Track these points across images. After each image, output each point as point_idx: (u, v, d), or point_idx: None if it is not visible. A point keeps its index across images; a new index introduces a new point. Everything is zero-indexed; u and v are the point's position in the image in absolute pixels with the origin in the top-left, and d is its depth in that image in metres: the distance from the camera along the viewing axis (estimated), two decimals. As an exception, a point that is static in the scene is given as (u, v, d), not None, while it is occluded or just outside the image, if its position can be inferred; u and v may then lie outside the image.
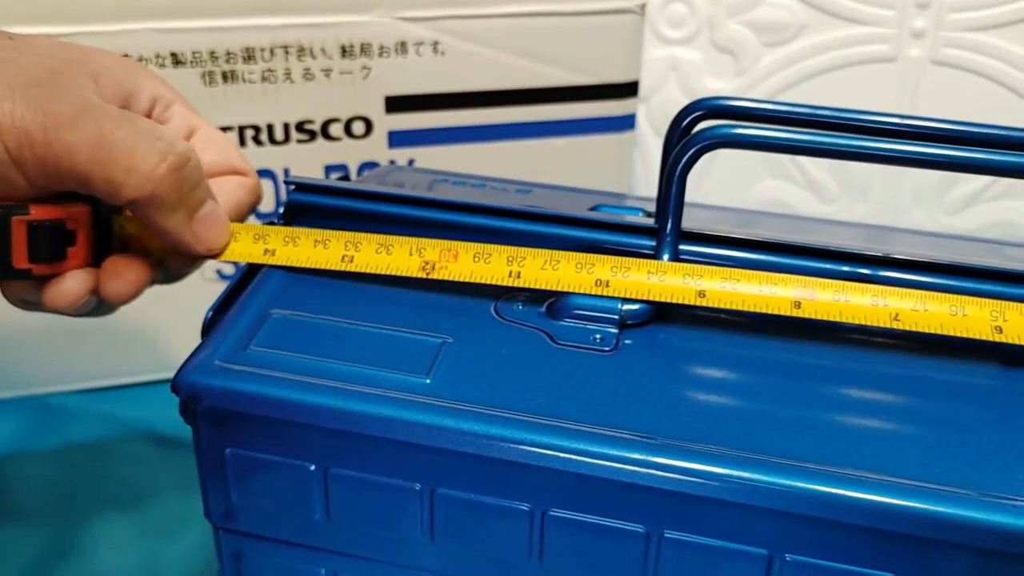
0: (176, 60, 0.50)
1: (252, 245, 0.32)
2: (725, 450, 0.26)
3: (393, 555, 0.30)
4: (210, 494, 0.30)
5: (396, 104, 0.55)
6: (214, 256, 0.31)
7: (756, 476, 0.26)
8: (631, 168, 0.63)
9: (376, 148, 0.55)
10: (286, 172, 0.54)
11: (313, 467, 0.29)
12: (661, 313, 0.31)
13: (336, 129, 0.54)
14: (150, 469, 0.50)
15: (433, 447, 0.27)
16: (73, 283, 0.30)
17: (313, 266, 0.32)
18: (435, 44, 0.54)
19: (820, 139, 0.28)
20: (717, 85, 0.72)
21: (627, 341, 0.30)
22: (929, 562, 0.25)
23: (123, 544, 0.46)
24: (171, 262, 0.32)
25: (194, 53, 0.50)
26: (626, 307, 0.30)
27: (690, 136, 0.29)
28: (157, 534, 0.46)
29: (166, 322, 0.53)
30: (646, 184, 0.73)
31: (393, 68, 0.54)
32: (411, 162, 0.56)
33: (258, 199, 0.34)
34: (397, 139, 0.56)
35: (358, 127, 0.55)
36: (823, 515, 0.25)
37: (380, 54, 0.53)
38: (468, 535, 0.28)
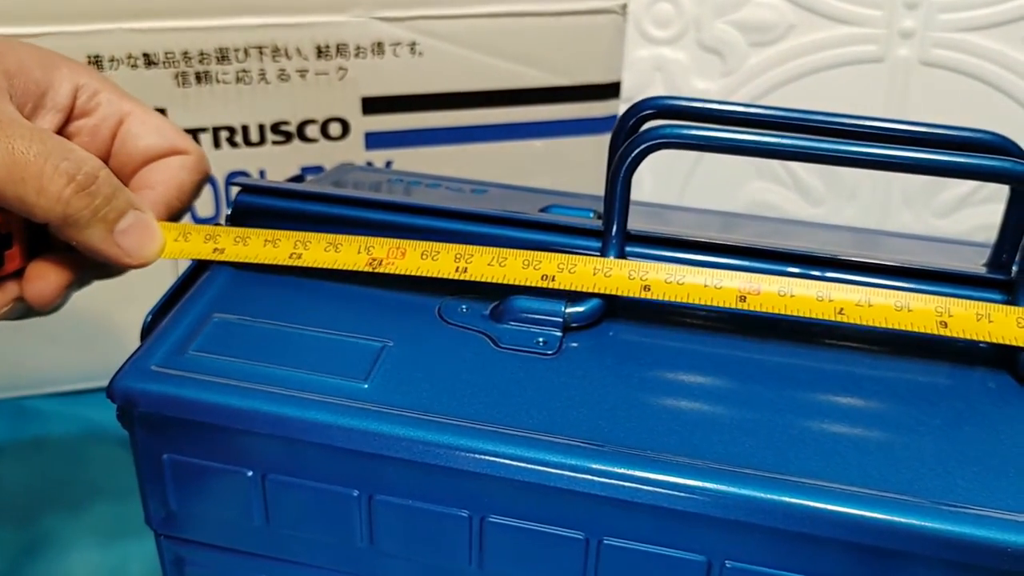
0: (148, 61, 0.50)
1: (202, 245, 0.32)
2: (664, 456, 0.26)
3: (334, 561, 0.29)
4: (149, 500, 0.30)
5: (373, 105, 0.54)
6: (145, 264, 0.31)
7: (694, 482, 0.25)
8: (598, 166, 0.62)
9: (353, 150, 0.55)
10: (261, 174, 0.53)
11: (251, 473, 0.28)
12: (607, 314, 0.30)
13: (312, 131, 0.54)
14: (123, 472, 0.50)
15: (370, 453, 0.27)
16: None
17: (262, 262, 0.32)
18: (412, 44, 0.53)
19: (760, 139, 0.27)
20: (704, 86, 0.71)
21: (572, 344, 0.30)
22: (869, 569, 0.25)
23: (93, 545, 0.45)
24: (103, 263, 0.31)
25: (167, 54, 0.50)
26: (570, 309, 0.30)
27: (635, 136, 0.29)
28: (127, 536, 0.46)
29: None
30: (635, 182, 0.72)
31: (370, 69, 0.53)
32: (389, 164, 0.55)
33: (203, 176, 0.34)
34: (374, 141, 0.55)
35: (335, 129, 0.54)
36: (762, 522, 0.25)
37: (356, 55, 0.53)
38: (407, 541, 0.28)
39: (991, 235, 0.68)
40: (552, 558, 0.27)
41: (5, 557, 0.44)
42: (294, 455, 0.28)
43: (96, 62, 0.49)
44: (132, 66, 0.50)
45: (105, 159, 0.32)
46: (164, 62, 0.50)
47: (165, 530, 0.30)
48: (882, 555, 0.25)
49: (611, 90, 0.58)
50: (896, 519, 0.24)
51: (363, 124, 0.54)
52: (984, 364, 0.29)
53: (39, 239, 0.31)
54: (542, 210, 0.36)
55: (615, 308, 0.31)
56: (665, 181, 0.75)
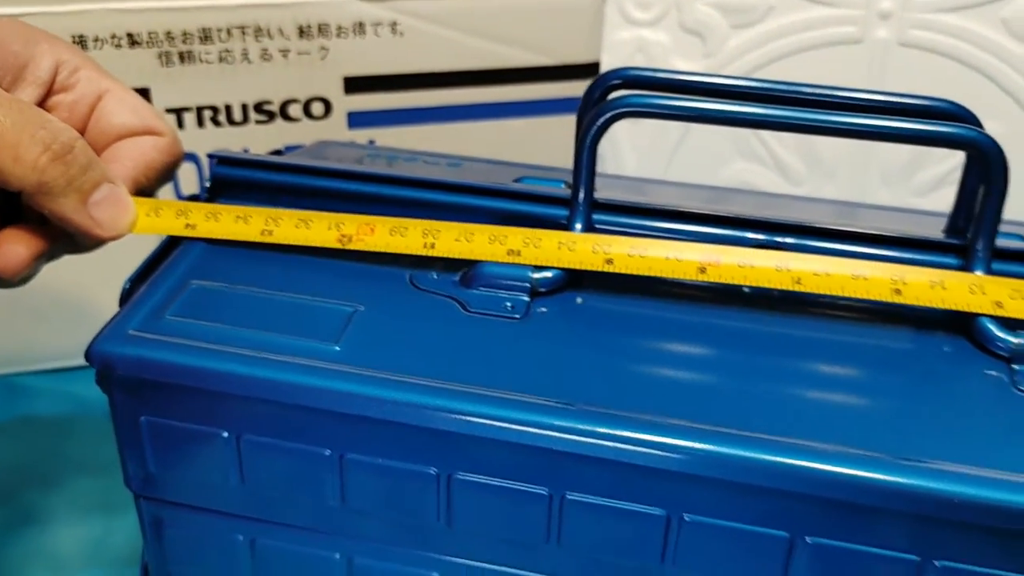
0: (132, 40, 0.51)
1: (174, 220, 0.33)
2: (625, 413, 0.26)
3: (308, 520, 0.30)
4: (128, 462, 0.31)
5: (355, 85, 0.55)
6: (117, 237, 0.32)
7: (654, 438, 0.26)
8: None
9: (335, 129, 0.56)
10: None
11: (226, 434, 0.29)
12: (574, 281, 0.31)
13: (295, 110, 0.54)
14: (108, 446, 0.51)
15: (340, 412, 0.28)
16: None
17: (234, 238, 0.32)
18: (393, 25, 0.54)
19: (720, 107, 0.28)
20: (685, 67, 0.72)
21: (540, 309, 0.30)
22: (828, 522, 0.26)
23: (78, 518, 0.46)
24: (76, 235, 0.32)
25: (150, 33, 0.51)
26: (537, 275, 0.30)
27: (600, 105, 0.30)
28: (112, 509, 0.47)
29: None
30: (614, 162, 0.73)
31: (351, 49, 0.54)
32: (371, 143, 0.56)
33: (174, 159, 0.34)
34: (356, 120, 0.56)
35: (317, 108, 0.55)
36: (720, 476, 0.26)
37: (338, 35, 0.53)
38: (378, 499, 0.29)
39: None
40: (517, 513, 0.28)
41: (-8, 527, 0.45)
42: (268, 416, 0.28)
43: (80, 42, 0.49)
44: (116, 46, 0.51)
45: (81, 133, 0.33)
46: (148, 42, 0.51)
47: (144, 492, 0.31)
48: (842, 508, 0.25)
49: (591, 69, 0.58)
50: (857, 473, 0.25)
51: (345, 103, 0.55)
52: (943, 329, 0.30)
53: (11, 209, 0.32)
54: (516, 181, 0.37)
55: (581, 275, 0.31)
56: (648, 161, 0.75)
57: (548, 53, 0.56)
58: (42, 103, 0.33)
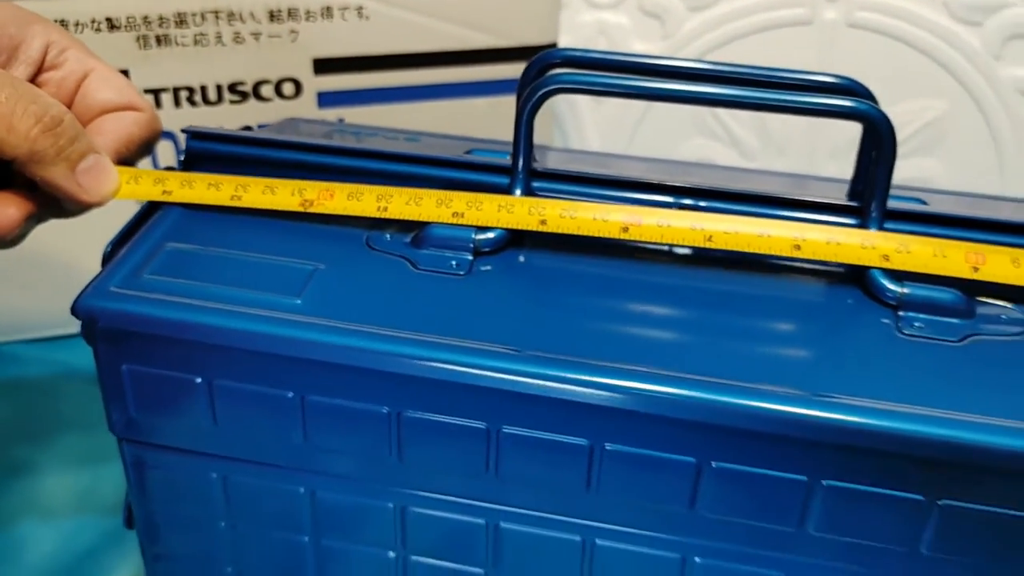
0: (112, 25, 0.54)
1: (152, 187, 0.36)
2: (553, 354, 0.30)
3: (275, 457, 0.33)
4: (111, 408, 0.34)
5: (324, 66, 0.58)
6: (101, 203, 0.35)
7: (579, 376, 0.29)
8: (550, 125, 0.66)
9: (306, 108, 0.59)
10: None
11: (199, 380, 0.32)
12: (515, 241, 0.34)
13: (267, 90, 0.58)
14: (94, 407, 0.54)
15: (301, 358, 0.31)
16: None
17: (206, 203, 0.36)
18: (360, 9, 0.57)
19: (639, 83, 0.32)
20: (644, 48, 0.75)
21: (482, 267, 0.34)
22: (747, 453, 0.29)
23: (67, 470, 0.50)
24: (64, 200, 0.35)
25: (128, 18, 0.54)
26: (479, 236, 0.34)
27: (535, 82, 0.33)
28: (98, 462, 0.50)
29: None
30: (579, 140, 0.77)
31: (320, 32, 0.57)
32: (340, 121, 0.59)
33: (153, 133, 0.37)
34: (326, 99, 0.59)
35: (288, 88, 0.58)
36: (640, 409, 0.29)
37: (307, 18, 0.56)
38: (337, 436, 0.32)
39: (920, 185, 0.73)
40: (459, 446, 0.31)
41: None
42: (236, 363, 0.32)
43: (62, 26, 0.52)
44: (96, 30, 0.53)
45: (68, 108, 0.36)
46: (126, 26, 0.54)
47: (126, 435, 0.35)
48: (743, 435, 0.29)
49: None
50: (756, 404, 0.29)
51: (315, 84, 0.58)
52: (841, 281, 0.34)
53: (2, 176, 0.35)
54: (466, 153, 0.40)
55: (521, 236, 0.35)
56: (611, 139, 0.79)
57: (507, 36, 0.60)
58: (33, 80, 0.36)
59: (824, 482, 0.29)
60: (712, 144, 0.79)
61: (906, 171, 0.76)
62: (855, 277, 0.33)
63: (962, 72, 0.72)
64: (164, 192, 0.36)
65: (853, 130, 0.74)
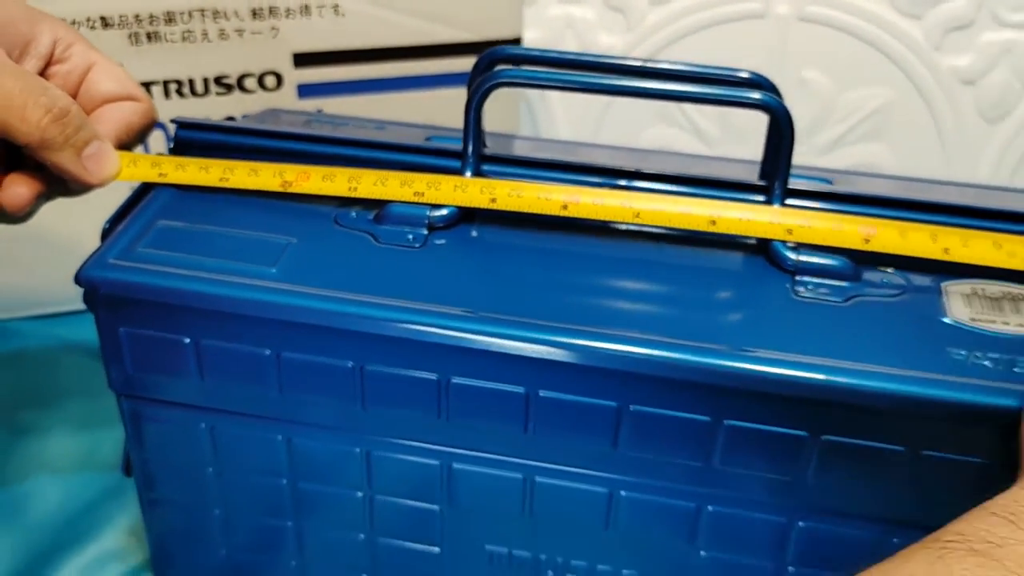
0: (105, 23, 0.58)
1: (149, 169, 0.40)
2: (496, 315, 0.35)
3: (256, 407, 0.38)
4: (110, 367, 0.38)
5: (303, 60, 0.63)
6: (104, 184, 0.39)
7: (516, 332, 0.34)
8: (517, 113, 0.71)
9: (287, 99, 0.63)
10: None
11: (188, 340, 0.37)
12: (467, 217, 0.39)
13: (250, 83, 0.62)
14: (93, 377, 0.58)
15: (276, 320, 0.36)
16: None
17: (196, 184, 0.40)
18: (336, 6, 0.62)
19: (567, 77, 0.36)
20: (609, 40, 0.80)
21: (436, 240, 0.38)
22: (647, 394, 0.34)
23: (68, 435, 0.54)
24: (70, 181, 0.39)
25: (121, 16, 0.58)
26: (433, 213, 0.39)
27: (481, 78, 0.38)
28: (98, 427, 0.54)
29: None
30: (549, 129, 0.81)
31: (299, 28, 0.61)
32: (319, 111, 0.64)
33: (150, 121, 0.42)
34: (305, 91, 0.64)
35: (270, 80, 0.62)
36: (570, 360, 0.34)
37: (287, 15, 0.61)
38: (308, 388, 0.37)
39: (866, 170, 0.78)
40: (415, 395, 0.36)
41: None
42: (220, 324, 0.36)
43: (59, 24, 0.57)
44: (91, 27, 0.58)
45: (73, 98, 0.41)
46: (119, 24, 0.58)
47: (124, 391, 0.39)
48: (656, 381, 0.34)
49: (513, 44, 0.66)
50: (684, 357, 0.33)
51: (295, 76, 0.63)
52: (751, 251, 0.39)
53: (14, 158, 0.39)
54: (427, 140, 0.45)
55: (471, 213, 0.39)
56: (579, 127, 0.83)
57: (474, 30, 0.64)
58: (42, 72, 0.40)
59: (725, 422, 0.34)
60: (675, 132, 0.83)
61: (855, 155, 0.81)
62: (761, 248, 0.38)
63: (906, 62, 0.77)
64: (160, 174, 0.40)
65: (806, 120, 0.78)
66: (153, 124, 0.43)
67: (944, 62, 0.77)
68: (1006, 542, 0.23)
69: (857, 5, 0.76)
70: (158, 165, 0.41)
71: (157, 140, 0.62)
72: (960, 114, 0.78)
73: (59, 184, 0.39)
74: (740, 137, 0.81)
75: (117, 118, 0.41)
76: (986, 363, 0.32)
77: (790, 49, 0.78)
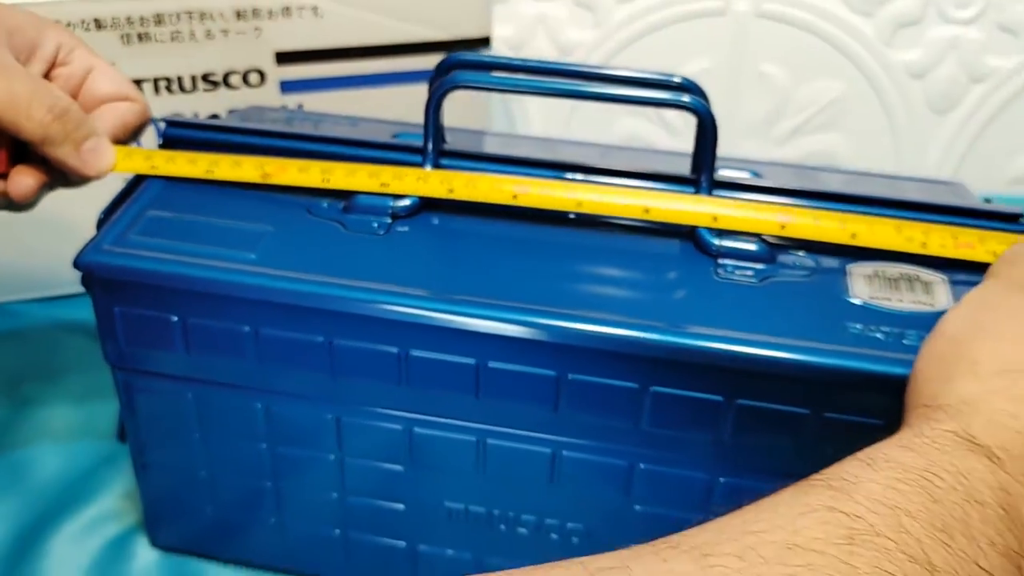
0: (99, 24, 0.62)
1: (143, 162, 0.45)
2: (453, 295, 0.39)
3: (235, 379, 0.42)
4: (106, 342, 0.43)
5: (285, 58, 0.67)
6: (101, 175, 0.43)
7: (471, 309, 0.38)
8: (488, 108, 0.75)
9: (270, 95, 0.67)
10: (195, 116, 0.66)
11: (175, 318, 0.41)
12: (428, 207, 0.43)
13: (235, 80, 0.66)
14: (90, 354, 0.63)
15: (254, 299, 0.40)
16: None
17: (185, 176, 0.44)
18: (315, 8, 0.66)
19: (512, 80, 0.41)
20: (578, 36, 0.84)
21: (400, 228, 0.43)
22: (584, 363, 0.38)
23: (67, 406, 0.58)
24: (70, 174, 0.43)
25: (113, 18, 0.62)
26: (396, 204, 0.43)
27: (439, 80, 0.42)
28: (95, 399, 0.59)
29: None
30: (523, 124, 0.85)
31: (280, 28, 0.65)
32: (300, 106, 0.68)
33: (145, 120, 0.46)
34: (287, 87, 0.68)
35: (254, 78, 0.66)
36: (513, 334, 0.38)
37: (269, 16, 0.65)
38: (283, 359, 0.41)
39: (821, 159, 0.82)
40: (379, 367, 0.40)
41: (-2, 415, 0.57)
42: (204, 304, 0.41)
43: (55, 26, 0.60)
44: (85, 29, 0.62)
45: (74, 98, 0.45)
46: (111, 26, 0.62)
47: (118, 364, 0.43)
48: (591, 353, 0.38)
49: (482, 43, 0.70)
50: (614, 331, 0.37)
51: (277, 73, 0.67)
52: (680, 237, 0.43)
53: (20, 152, 0.43)
54: (393, 136, 0.49)
55: (431, 204, 0.44)
56: (551, 121, 0.88)
57: (445, 29, 0.68)
58: (46, 75, 0.44)
59: (651, 389, 0.38)
60: (643, 124, 0.87)
61: (812, 144, 0.86)
62: (690, 235, 0.42)
63: (858, 57, 0.81)
64: (152, 167, 0.44)
65: (764, 112, 0.83)
66: (147, 122, 0.47)
67: (894, 57, 0.81)
68: (859, 479, 0.27)
69: (812, 3, 0.80)
70: (150, 159, 0.45)
71: (147, 135, 0.66)
72: (910, 106, 0.82)
73: (60, 176, 0.43)
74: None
75: (114, 116, 0.45)
76: (879, 336, 0.37)
77: (749, 45, 0.83)
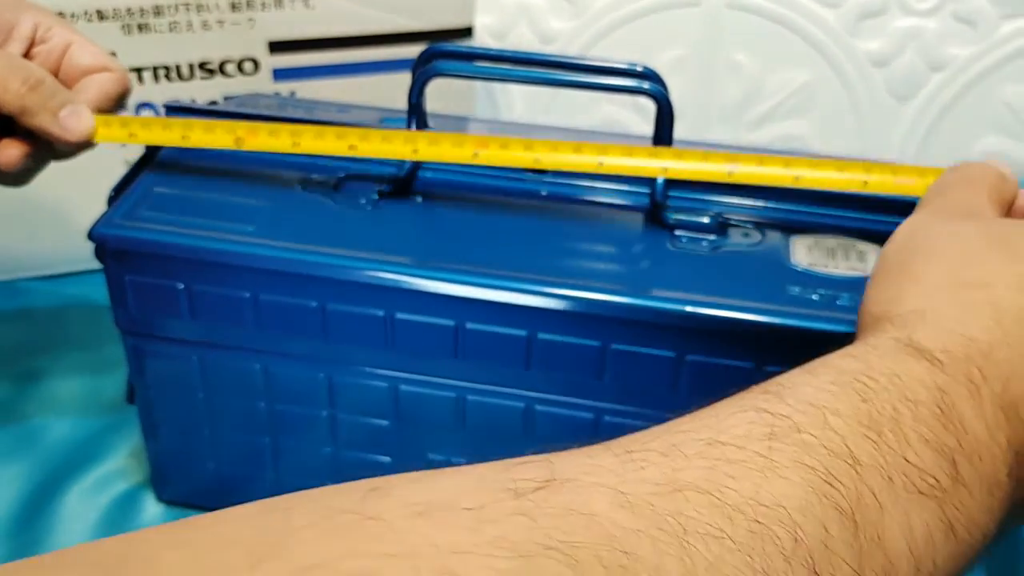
0: (100, 15, 0.66)
1: (120, 130, 0.47)
2: (432, 262, 0.43)
3: (236, 342, 0.46)
4: (117, 309, 0.47)
5: (278, 47, 0.70)
6: (81, 141, 0.46)
7: (449, 276, 0.42)
8: (473, 95, 0.79)
9: (263, 83, 0.71)
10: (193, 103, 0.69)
11: (181, 285, 0.45)
12: (409, 190, 0.47)
13: (231, 68, 0.70)
14: (97, 329, 0.66)
15: (252, 267, 0.44)
16: None
17: (159, 143, 0.48)
18: (305, 0, 0.69)
19: (491, 67, 0.45)
20: (558, 25, 0.88)
21: (384, 205, 0.47)
22: (554, 324, 0.42)
23: (75, 376, 0.62)
24: (53, 142, 0.46)
25: (115, 10, 0.66)
26: (381, 186, 0.47)
27: (421, 69, 0.46)
28: (102, 371, 0.62)
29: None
30: (506, 109, 0.89)
31: (273, 19, 0.69)
32: (292, 93, 0.72)
33: (124, 88, 0.48)
34: (280, 75, 0.72)
35: (248, 66, 0.70)
36: (488, 298, 0.42)
37: (262, 8, 0.69)
38: (281, 324, 0.45)
39: (790, 144, 0.86)
40: (367, 329, 0.44)
41: (8, 383, 0.61)
42: (207, 272, 0.45)
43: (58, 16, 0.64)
44: (88, 20, 0.66)
45: (55, 73, 0.47)
46: (112, 16, 0.66)
47: (128, 329, 0.47)
48: (560, 314, 0.42)
49: (465, 33, 0.74)
50: (581, 295, 0.41)
51: (271, 62, 0.71)
52: (642, 215, 0.47)
53: (6, 127, 0.46)
54: (380, 121, 0.53)
55: (414, 186, 0.48)
56: (533, 106, 0.92)
57: (430, 20, 0.72)
58: (26, 53, 0.47)
59: (613, 346, 0.42)
60: (620, 110, 0.91)
61: (780, 130, 0.90)
62: (649, 213, 0.47)
63: (824, 46, 0.85)
64: (130, 134, 0.47)
65: (737, 98, 0.87)
66: (128, 90, 0.49)
67: (858, 46, 0.85)
68: (795, 384, 0.28)
69: (781, -5, 0.84)
70: (127, 125, 0.47)
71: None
72: (873, 93, 0.86)
73: (46, 146, 0.47)
74: (679, 114, 0.89)
75: (96, 87, 0.48)
76: (814, 297, 0.41)
77: (722, 34, 0.87)
